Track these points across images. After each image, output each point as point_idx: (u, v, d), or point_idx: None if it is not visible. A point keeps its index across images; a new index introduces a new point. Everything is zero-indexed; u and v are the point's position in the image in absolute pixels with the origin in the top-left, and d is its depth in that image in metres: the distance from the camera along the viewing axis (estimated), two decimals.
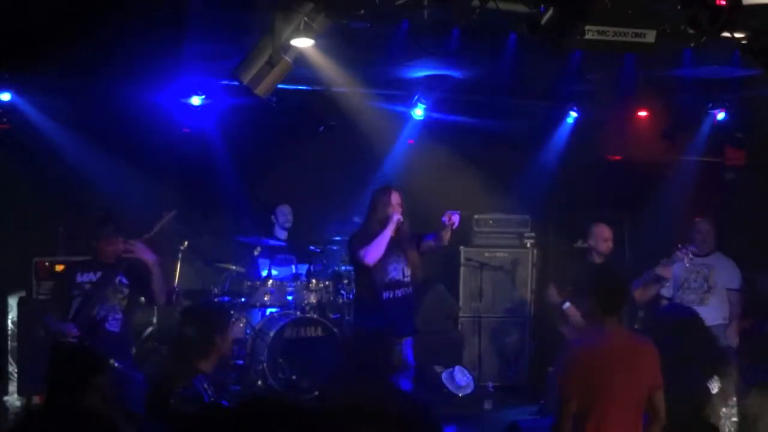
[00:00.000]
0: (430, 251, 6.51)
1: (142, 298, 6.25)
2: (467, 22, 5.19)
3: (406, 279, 6.34)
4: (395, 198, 6.28)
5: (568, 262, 7.90)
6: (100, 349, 5.33)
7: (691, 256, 6.74)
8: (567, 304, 6.84)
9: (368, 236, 6.25)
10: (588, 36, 4.73)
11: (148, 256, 5.77)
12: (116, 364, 5.62)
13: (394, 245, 6.26)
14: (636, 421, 4.17)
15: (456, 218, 6.15)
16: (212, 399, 4.05)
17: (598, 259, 6.97)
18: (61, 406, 3.47)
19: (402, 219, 6.23)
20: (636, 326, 7.49)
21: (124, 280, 5.90)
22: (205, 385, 4.07)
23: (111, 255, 5.85)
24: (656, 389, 4.18)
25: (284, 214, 8.42)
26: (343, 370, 4.06)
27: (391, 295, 6.28)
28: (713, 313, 7.07)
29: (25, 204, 8.06)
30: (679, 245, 6.78)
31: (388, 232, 6.19)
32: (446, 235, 6.24)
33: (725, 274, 7.23)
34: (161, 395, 4.05)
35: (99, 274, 5.85)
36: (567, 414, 4.07)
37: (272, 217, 8.43)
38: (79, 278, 5.85)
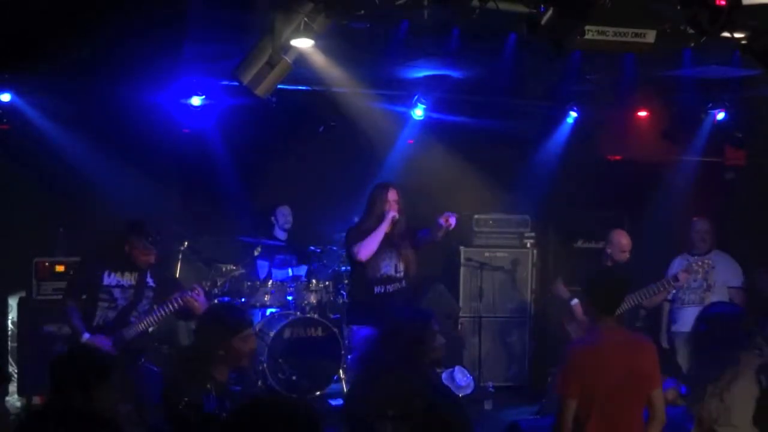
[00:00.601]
0: (425, 244, 6.54)
1: None
2: (467, 22, 5.19)
3: (398, 275, 6.40)
4: (392, 195, 6.34)
5: (573, 262, 7.93)
6: (131, 350, 5.37)
7: (706, 269, 6.78)
8: (575, 301, 6.85)
9: (364, 232, 6.32)
10: (588, 36, 4.73)
11: (202, 304, 5.73)
12: (142, 361, 5.66)
13: (388, 241, 6.32)
14: (636, 420, 4.17)
15: (453, 220, 6.17)
16: (215, 409, 3.89)
17: (610, 264, 6.96)
18: (63, 407, 3.45)
19: (397, 216, 6.29)
20: (638, 325, 7.50)
21: (151, 282, 5.89)
22: (213, 393, 3.91)
23: (144, 264, 5.82)
24: (655, 388, 4.19)
25: (284, 215, 8.43)
26: (382, 360, 3.98)
27: (383, 290, 6.34)
28: None
29: (25, 204, 8.05)
30: (697, 257, 6.83)
31: (383, 229, 6.26)
32: (440, 233, 6.27)
33: (725, 272, 7.24)
34: (172, 399, 3.95)
35: (127, 277, 5.80)
36: (567, 414, 4.07)
37: (272, 218, 8.44)
38: (106, 280, 5.76)
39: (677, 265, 7.19)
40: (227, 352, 3.99)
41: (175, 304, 5.72)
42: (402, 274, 6.41)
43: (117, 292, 5.78)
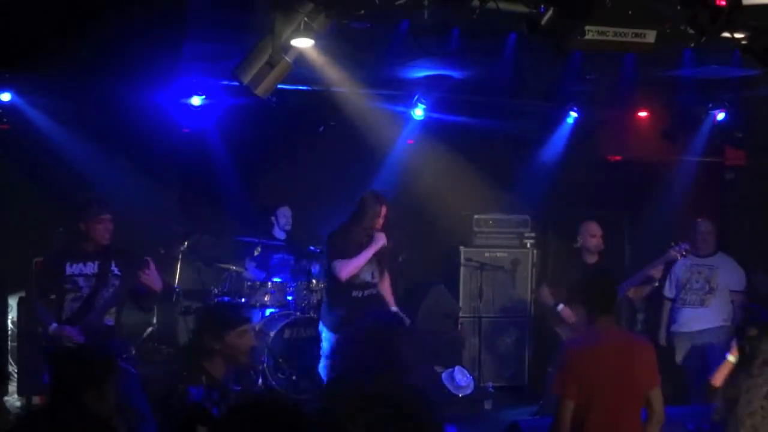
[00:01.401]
0: None
1: None
2: (467, 22, 5.18)
3: (374, 281, 6.52)
4: (384, 211, 6.44)
5: (568, 262, 7.91)
6: (101, 346, 5.33)
7: (683, 252, 6.76)
8: (561, 306, 6.85)
9: (349, 242, 6.38)
10: (588, 36, 4.73)
11: (156, 285, 5.68)
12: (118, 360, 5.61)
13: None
14: (635, 419, 4.17)
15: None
16: (202, 401, 3.88)
17: (590, 258, 6.97)
18: (62, 407, 3.45)
19: (386, 243, 6.41)
20: (638, 327, 7.50)
21: (116, 271, 5.85)
22: (203, 385, 3.88)
23: (103, 236, 5.77)
24: (653, 387, 4.19)
25: (285, 216, 8.41)
26: (357, 365, 3.96)
27: (360, 294, 6.41)
28: (714, 314, 7.07)
29: (25, 204, 8.06)
30: (672, 243, 6.81)
31: (370, 253, 6.36)
32: None
33: (729, 275, 7.21)
34: (163, 391, 3.95)
35: (90, 265, 5.78)
36: (565, 414, 4.07)
37: (272, 218, 8.41)
38: (68, 270, 5.75)
39: (680, 264, 7.18)
40: (222, 347, 3.98)
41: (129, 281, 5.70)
42: (377, 280, 6.53)
43: (81, 281, 5.76)
